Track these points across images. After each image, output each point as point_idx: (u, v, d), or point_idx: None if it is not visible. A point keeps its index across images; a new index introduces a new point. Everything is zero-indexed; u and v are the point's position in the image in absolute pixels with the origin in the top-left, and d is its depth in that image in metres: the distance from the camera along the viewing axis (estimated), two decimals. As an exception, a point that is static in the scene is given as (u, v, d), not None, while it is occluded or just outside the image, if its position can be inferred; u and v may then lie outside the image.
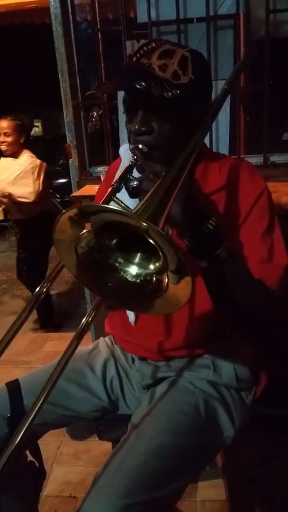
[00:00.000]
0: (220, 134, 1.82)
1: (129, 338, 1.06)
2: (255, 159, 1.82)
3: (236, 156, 1.79)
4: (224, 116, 1.81)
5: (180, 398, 0.95)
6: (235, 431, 0.97)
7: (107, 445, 1.23)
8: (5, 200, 2.58)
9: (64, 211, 0.62)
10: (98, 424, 1.11)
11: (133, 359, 1.09)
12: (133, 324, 1.02)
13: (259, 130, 1.80)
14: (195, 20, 1.79)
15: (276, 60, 1.74)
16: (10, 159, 2.67)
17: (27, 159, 2.65)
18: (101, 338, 1.21)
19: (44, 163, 2.72)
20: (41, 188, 2.63)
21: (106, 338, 1.20)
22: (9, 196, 2.57)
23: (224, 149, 1.84)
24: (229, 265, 0.79)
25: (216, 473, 1.45)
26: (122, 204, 0.69)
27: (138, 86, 0.79)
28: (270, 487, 1.46)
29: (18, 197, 2.58)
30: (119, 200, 0.70)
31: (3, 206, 2.68)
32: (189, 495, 1.48)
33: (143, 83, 0.79)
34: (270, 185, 0.99)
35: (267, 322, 0.87)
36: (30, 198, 2.61)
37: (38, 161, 2.67)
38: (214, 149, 1.81)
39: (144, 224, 0.58)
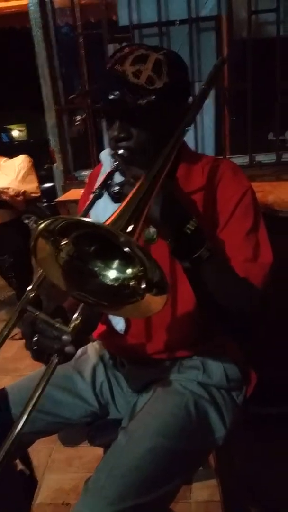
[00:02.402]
0: (205, 135, 1.83)
1: (118, 342, 1.06)
2: (241, 159, 1.83)
3: (221, 157, 1.80)
4: (209, 117, 1.82)
5: (170, 400, 0.95)
6: (227, 432, 0.97)
7: (99, 450, 1.22)
8: (19, 198, 2.59)
9: (38, 228, 0.61)
10: (89, 430, 1.10)
11: (122, 363, 1.09)
12: (122, 333, 1.02)
13: (244, 130, 1.81)
14: (177, 23, 1.79)
15: (259, 60, 1.76)
16: None
17: (25, 157, 2.70)
18: (90, 343, 1.20)
19: None
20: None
21: (95, 342, 1.19)
22: (24, 193, 2.59)
23: (209, 150, 1.85)
24: (211, 265, 0.79)
25: (210, 473, 1.45)
26: None
27: (112, 96, 0.79)
28: (264, 486, 1.47)
29: (31, 193, 2.64)
30: None
31: None
32: (183, 496, 1.48)
33: (117, 93, 0.79)
34: (256, 185, 0.99)
35: (253, 320, 0.87)
36: (38, 192, 2.69)
37: (31, 159, 2.73)
38: (199, 150, 1.82)
39: (119, 235, 0.58)
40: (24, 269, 2.84)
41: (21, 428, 0.68)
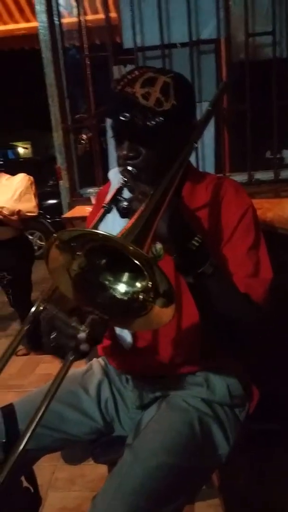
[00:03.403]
0: (205, 154, 1.87)
1: (123, 357, 1.06)
2: (240, 177, 1.87)
3: (221, 175, 1.83)
4: (209, 136, 1.86)
5: (175, 417, 0.95)
6: (230, 449, 0.97)
7: (102, 468, 1.22)
8: (14, 217, 2.61)
9: (52, 239, 0.64)
10: (94, 447, 1.10)
11: (127, 379, 1.09)
12: (128, 348, 1.03)
13: (243, 149, 1.85)
14: (178, 45, 1.85)
15: (257, 81, 1.81)
16: None
17: (24, 176, 2.71)
18: (95, 359, 1.21)
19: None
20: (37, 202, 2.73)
21: (100, 359, 1.20)
22: (19, 212, 2.60)
23: (210, 168, 1.89)
24: (214, 281, 0.81)
25: (213, 492, 1.44)
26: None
27: (122, 118, 0.82)
28: (267, 503, 1.45)
29: (27, 212, 2.64)
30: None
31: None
32: (187, 516, 1.46)
33: (127, 114, 0.82)
34: (255, 202, 1.01)
35: (253, 334, 0.88)
36: (35, 212, 2.68)
37: (31, 177, 2.75)
38: (200, 169, 1.85)
39: (130, 248, 0.60)
40: (21, 287, 2.84)
41: (26, 443, 0.68)
